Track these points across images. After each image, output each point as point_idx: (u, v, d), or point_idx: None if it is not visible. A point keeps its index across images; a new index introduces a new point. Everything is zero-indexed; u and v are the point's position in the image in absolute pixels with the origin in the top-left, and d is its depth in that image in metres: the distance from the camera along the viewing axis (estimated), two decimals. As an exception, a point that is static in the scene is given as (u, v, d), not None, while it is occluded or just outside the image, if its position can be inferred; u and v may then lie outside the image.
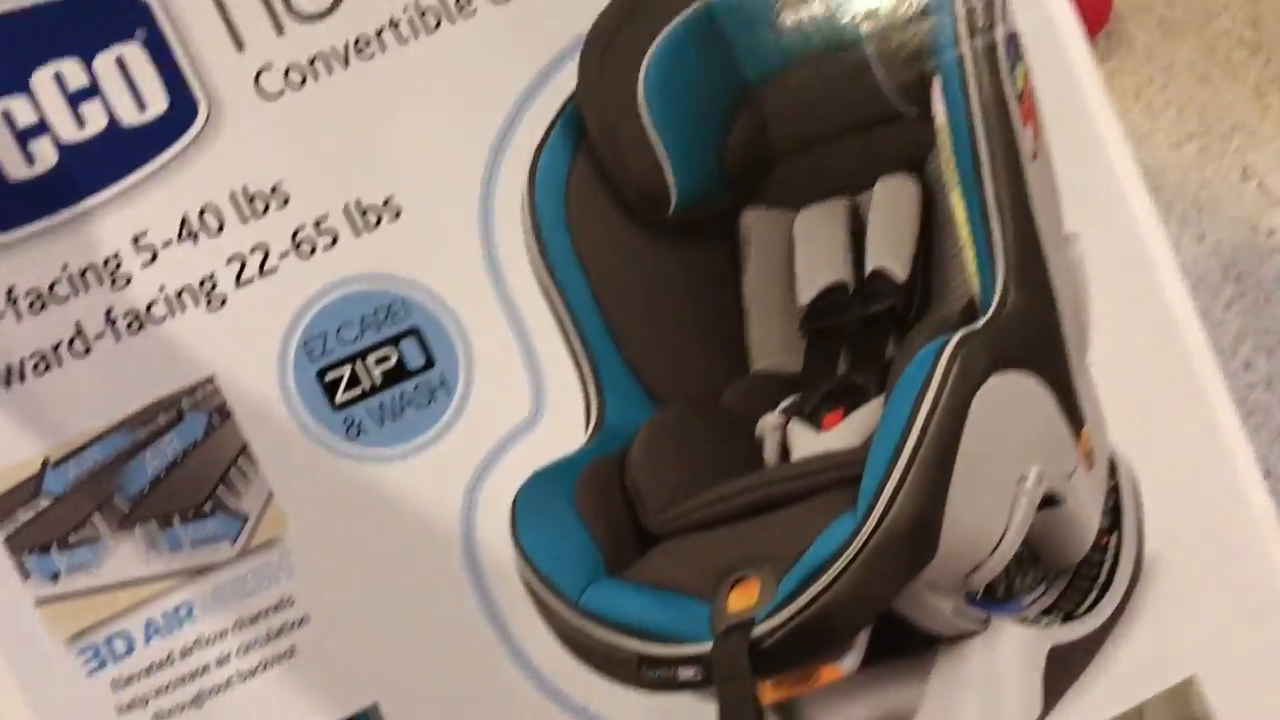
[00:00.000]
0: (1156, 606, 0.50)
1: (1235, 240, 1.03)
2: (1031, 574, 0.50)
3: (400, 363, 0.44)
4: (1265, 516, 0.50)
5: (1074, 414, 0.48)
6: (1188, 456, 0.50)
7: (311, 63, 0.42)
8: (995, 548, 0.45)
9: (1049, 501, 0.47)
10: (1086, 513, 0.49)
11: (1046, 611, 0.49)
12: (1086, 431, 0.49)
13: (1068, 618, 0.49)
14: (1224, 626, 0.50)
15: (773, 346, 0.48)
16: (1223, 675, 0.50)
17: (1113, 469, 0.49)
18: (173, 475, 0.42)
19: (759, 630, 0.43)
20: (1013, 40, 0.46)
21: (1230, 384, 0.52)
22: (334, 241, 0.43)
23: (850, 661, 0.46)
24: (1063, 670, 0.49)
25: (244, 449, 0.43)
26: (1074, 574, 0.50)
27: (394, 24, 0.43)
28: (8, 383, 0.41)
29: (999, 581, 0.49)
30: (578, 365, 0.45)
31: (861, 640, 0.46)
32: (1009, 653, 0.49)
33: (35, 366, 0.41)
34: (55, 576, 0.41)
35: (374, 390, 0.44)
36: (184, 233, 0.42)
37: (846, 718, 0.48)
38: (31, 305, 0.41)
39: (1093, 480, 0.49)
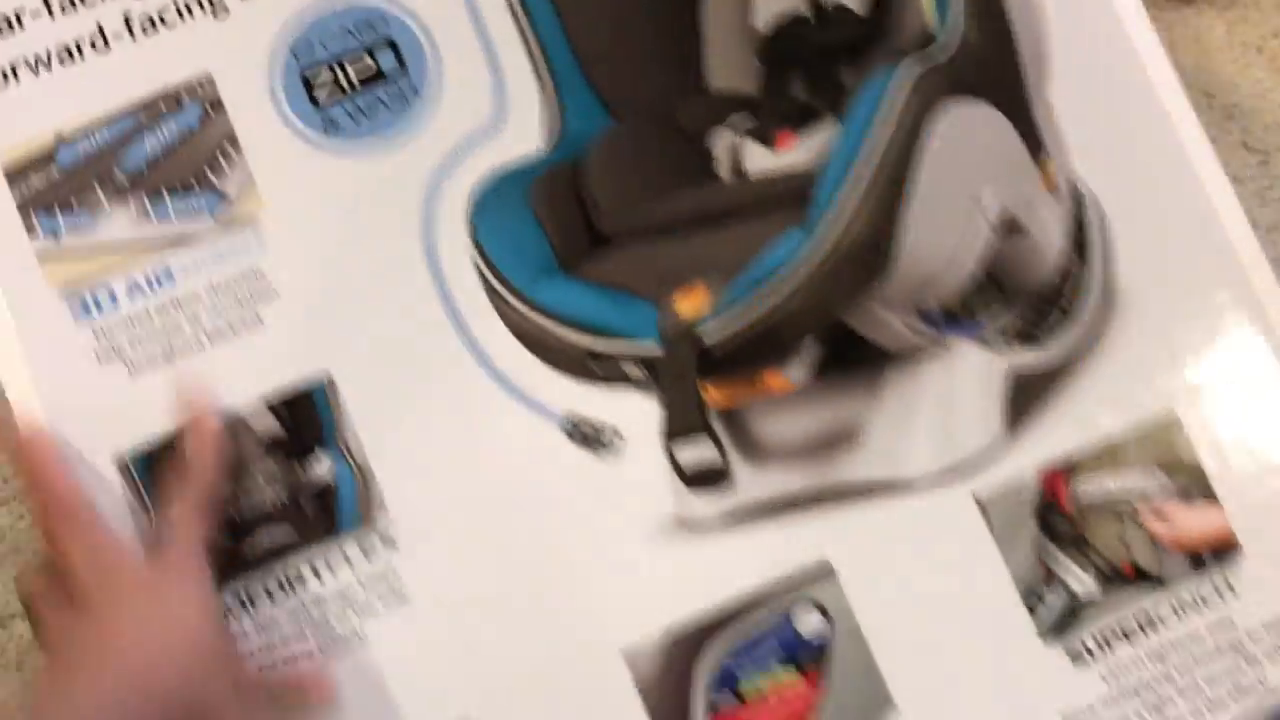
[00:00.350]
0: (1128, 339, 0.48)
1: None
2: (991, 297, 0.49)
3: (376, 69, 0.48)
4: (1245, 248, 0.49)
5: (1033, 140, 0.49)
6: (1159, 189, 0.49)
7: None
8: (949, 265, 0.46)
9: (1010, 226, 0.47)
10: (1048, 236, 0.49)
11: (1006, 335, 0.48)
12: (1049, 159, 0.49)
13: (1028, 340, 0.48)
14: (1201, 360, 0.48)
15: (729, 68, 0.51)
16: (1201, 418, 0.47)
17: (1079, 202, 0.49)
18: (168, 156, 0.47)
19: (705, 332, 0.44)
20: None
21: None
22: (321, -40, 0.48)
23: (799, 372, 0.46)
24: (1026, 396, 0.48)
25: (231, 137, 0.47)
26: (1040, 300, 0.49)
27: None
28: (34, 69, 0.47)
29: (956, 303, 0.48)
30: (538, 76, 0.48)
31: (810, 352, 0.46)
32: (965, 372, 0.48)
33: (60, 58, 0.48)
34: (57, 235, 0.46)
35: (351, 92, 0.48)
36: (195, -51, 0.48)
37: (792, 427, 0.48)
38: (62, 6, 0.48)
39: (1056, 206, 0.49)
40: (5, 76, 0.47)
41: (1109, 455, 0.47)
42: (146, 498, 0.45)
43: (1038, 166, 0.49)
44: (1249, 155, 1.00)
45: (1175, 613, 0.47)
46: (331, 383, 0.46)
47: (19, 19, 0.48)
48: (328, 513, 0.45)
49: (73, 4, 0.48)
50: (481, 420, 0.46)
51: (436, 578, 0.45)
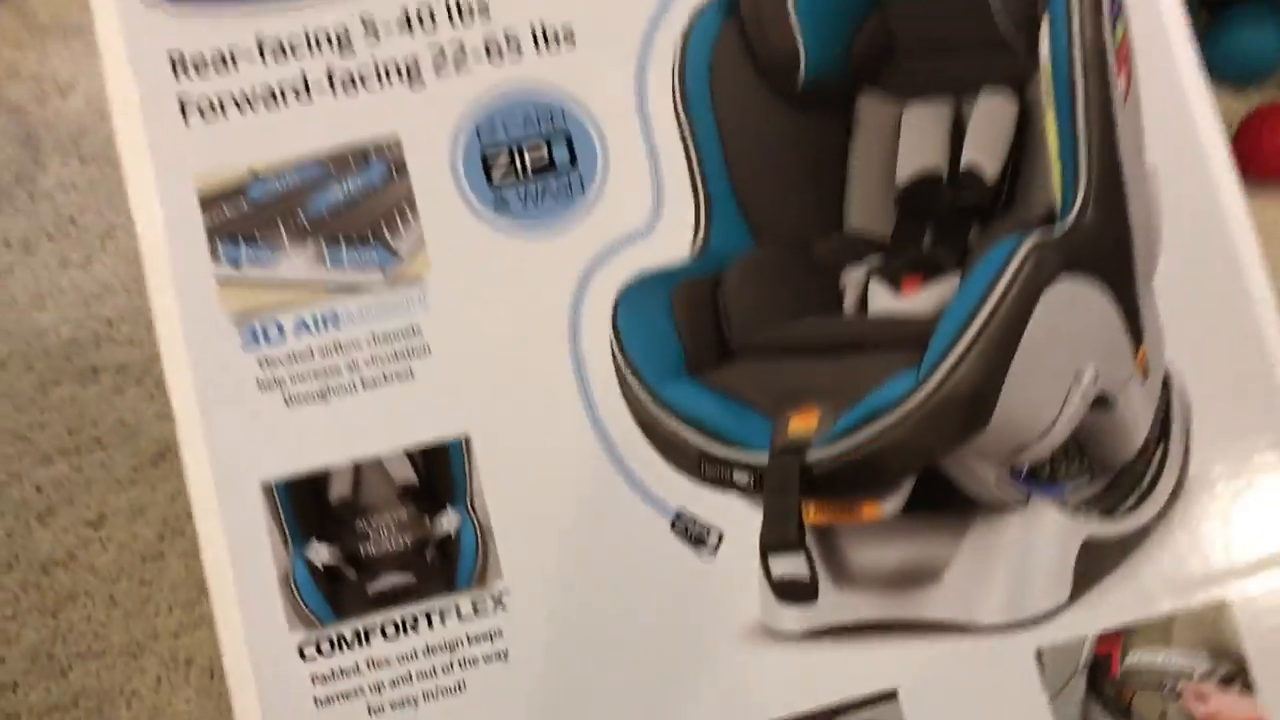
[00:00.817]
0: (1195, 524, 0.52)
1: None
2: (1077, 465, 0.53)
3: (550, 159, 0.52)
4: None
5: (1134, 327, 0.53)
6: (1239, 385, 0.53)
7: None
8: (1046, 431, 0.50)
9: (1102, 402, 0.52)
10: (1136, 419, 0.53)
11: (1087, 504, 0.53)
12: (1144, 346, 0.53)
13: (1107, 514, 0.52)
14: (1256, 559, 0.52)
15: (867, 212, 0.55)
16: (1253, 607, 0.52)
17: (1167, 386, 0.53)
18: (349, 207, 0.51)
19: (812, 455, 0.48)
20: (1117, 1, 0.54)
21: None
22: (518, 53, 0.52)
23: (892, 505, 0.50)
24: (1095, 564, 0.52)
25: (410, 199, 0.51)
26: (1119, 474, 0.53)
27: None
28: (240, 108, 0.51)
29: (1044, 465, 0.53)
30: (695, 193, 0.52)
31: (906, 488, 0.50)
32: (1044, 533, 0.52)
33: (264, 100, 0.51)
34: (237, 264, 0.50)
35: (524, 176, 0.52)
36: (406, 22, 0.52)
37: (879, 558, 0.52)
38: (274, 52, 0.51)
39: (1146, 391, 0.53)
40: (212, 109, 0.51)
41: (1161, 631, 0.51)
42: (285, 526, 0.48)
43: (1136, 349, 0.53)
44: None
45: (1198, 784, 0.51)
46: (469, 443, 0.50)
47: (232, 58, 0.51)
48: (448, 566, 0.49)
49: (283, 52, 0.51)
50: (599, 503, 0.50)
51: (538, 643, 0.49)
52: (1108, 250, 0.52)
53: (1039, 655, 0.51)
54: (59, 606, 0.96)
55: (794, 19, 0.53)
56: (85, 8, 1.11)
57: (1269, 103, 1.16)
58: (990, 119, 0.55)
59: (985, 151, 0.54)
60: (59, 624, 0.95)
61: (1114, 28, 0.53)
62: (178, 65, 0.51)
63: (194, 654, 0.94)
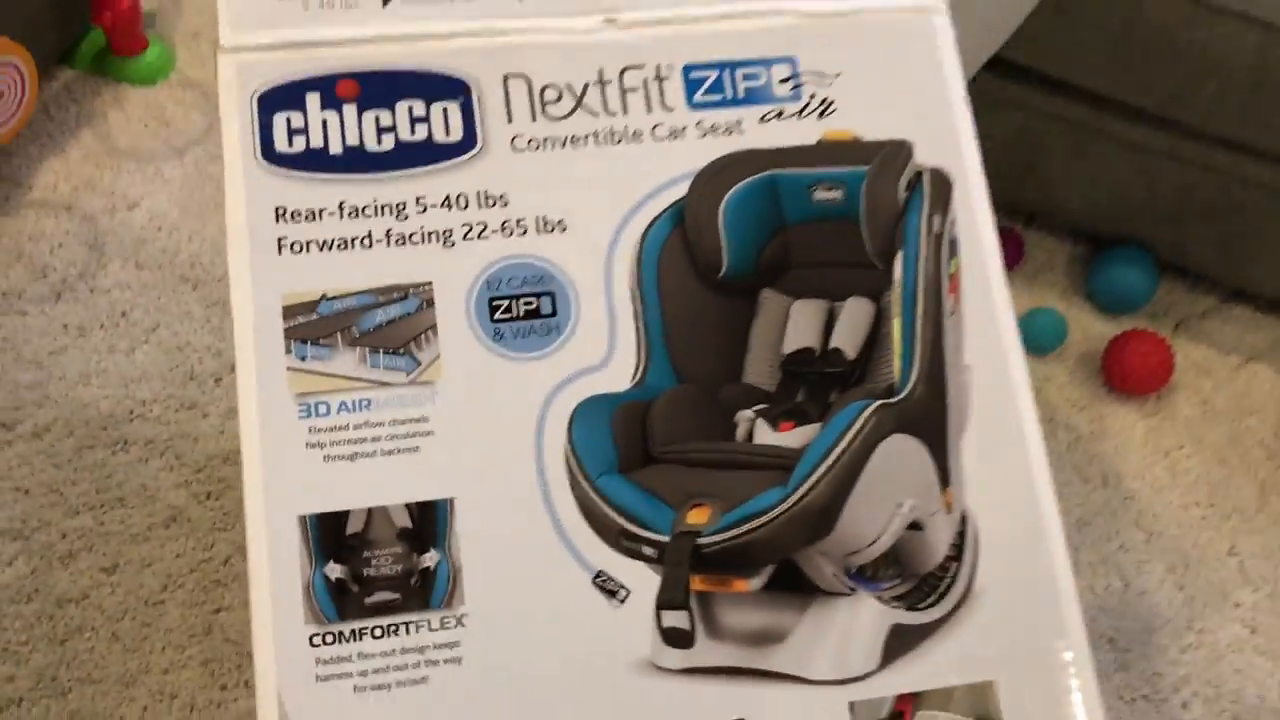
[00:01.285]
0: (976, 621, 0.71)
1: (1203, 594, 1.23)
2: (893, 570, 0.73)
3: (537, 308, 0.72)
4: (1068, 596, 0.72)
5: (944, 474, 0.73)
6: (1013, 526, 0.73)
7: (544, 141, 0.75)
8: (872, 543, 0.70)
9: (915, 526, 0.71)
10: (940, 540, 0.72)
11: (898, 598, 0.72)
12: (950, 488, 0.73)
13: (911, 608, 0.71)
14: (1020, 651, 0.71)
15: (759, 372, 0.76)
16: (1014, 690, 0.70)
17: (964, 519, 0.73)
18: (389, 326, 0.71)
19: (702, 540, 0.67)
20: (953, 243, 0.76)
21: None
22: (524, 233, 0.73)
23: (757, 582, 0.69)
24: (900, 642, 0.71)
25: (434, 326, 0.71)
26: (923, 579, 0.72)
27: (597, 136, 0.75)
28: (320, 249, 0.71)
29: (869, 566, 0.72)
30: (638, 344, 0.73)
31: (768, 571, 0.69)
32: (864, 615, 0.71)
33: (338, 247, 0.71)
34: (304, 358, 0.69)
35: (517, 318, 0.72)
36: (447, 202, 0.73)
37: (743, 620, 0.71)
38: (350, 214, 0.72)
39: (949, 521, 0.73)
40: (301, 248, 0.71)
41: (944, 696, 0.70)
42: (311, 548, 0.67)
43: (943, 490, 0.73)
44: (1138, 531, 1.25)
45: (961, 818, 0.68)
46: (453, 504, 0.68)
47: (319, 214, 0.72)
48: (426, 591, 0.67)
49: (356, 213, 0.72)
50: (542, 560, 0.68)
51: (486, 654, 0.66)
52: (929, 418, 0.73)
53: (851, 706, 0.69)
54: (67, 636, 1.11)
55: (722, 235, 0.75)
56: (157, 138, 1.35)
57: (1133, 328, 1.39)
58: (854, 316, 0.76)
59: (848, 338, 0.75)
60: (65, 651, 1.10)
61: (949, 262, 0.75)
62: (279, 214, 0.72)
63: (179, 690, 1.09)
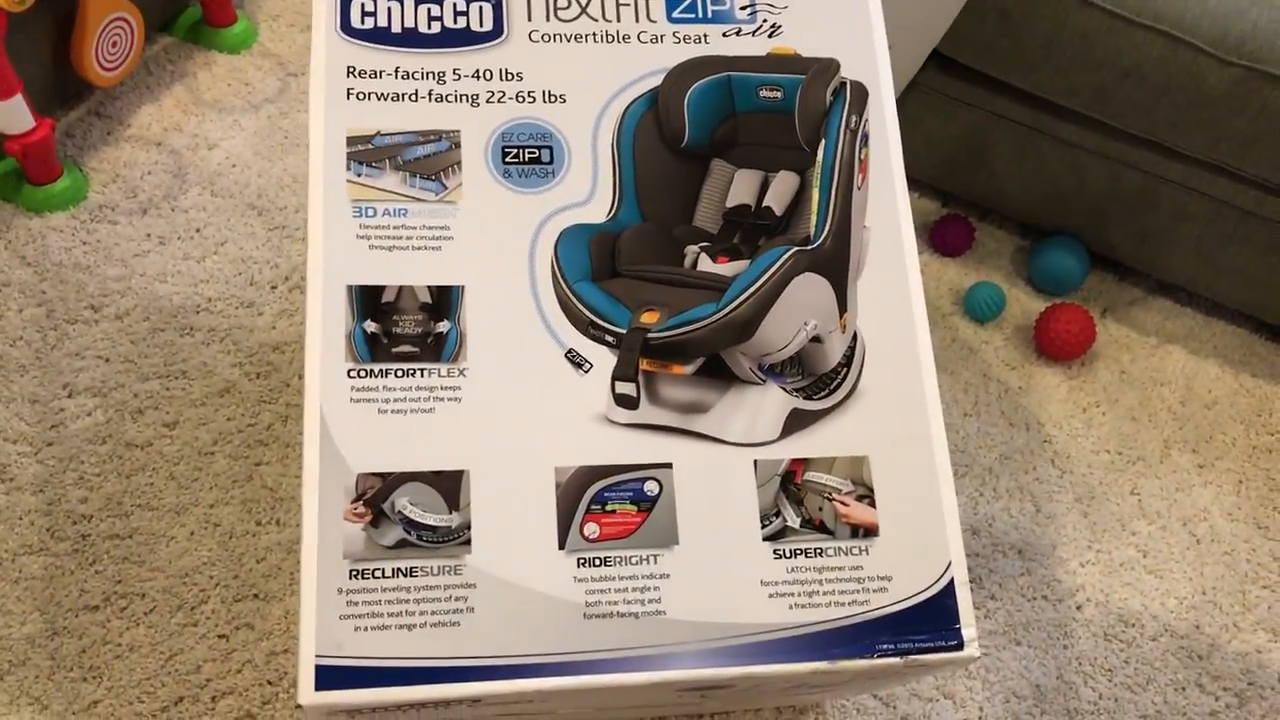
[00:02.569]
0: (857, 412, 0.92)
1: (1104, 523, 1.41)
2: (796, 369, 0.93)
3: (538, 156, 0.95)
4: (931, 398, 0.92)
5: (843, 303, 0.94)
6: (893, 345, 0.93)
7: (554, 36, 0.98)
8: (781, 349, 0.91)
9: (816, 340, 0.92)
10: (835, 350, 0.93)
11: (798, 390, 0.92)
12: (846, 315, 0.94)
13: (808, 398, 0.92)
14: (888, 436, 0.91)
15: (706, 218, 0.98)
16: (881, 463, 0.90)
17: (856, 337, 0.94)
18: (426, 159, 0.93)
19: (651, 335, 0.89)
20: (865, 136, 0.98)
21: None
22: (533, 102, 0.96)
23: (690, 368, 0.91)
24: (797, 422, 0.91)
25: (459, 161, 0.93)
26: (819, 378, 0.93)
27: (595, 35, 0.98)
28: (378, 99, 0.94)
29: (778, 365, 0.93)
30: (614, 189, 0.95)
31: (699, 361, 0.91)
32: (771, 399, 0.92)
33: (392, 98, 0.94)
34: (359, 174, 0.92)
35: (521, 162, 0.94)
36: (476, 74, 0.96)
37: (677, 394, 0.91)
38: (403, 75, 0.95)
39: (843, 338, 0.94)
40: (363, 97, 0.94)
41: (827, 464, 0.90)
42: (354, 308, 0.88)
43: (840, 316, 0.94)
44: (1052, 469, 1.44)
45: (835, 553, 0.88)
46: (463, 290, 0.90)
47: (378, 73, 0.95)
48: (438, 348, 0.88)
49: (407, 75, 0.95)
50: (530, 338, 0.90)
51: (478, 396, 0.87)
52: (835, 262, 0.94)
53: (755, 463, 0.89)
54: (133, 472, 1.32)
55: (685, 115, 0.97)
56: (238, 95, 1.60)
57: (1059, 301, 1.59)
58: (783, 184, 0.98)
59: (777, 200, 0.97)
60: (130, 484, 1.31)
61: (861, 149, 0.97)
62: (350, 71, 0.95)
63: (221, 521, 1.30)
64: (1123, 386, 1.57)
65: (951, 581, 0.88)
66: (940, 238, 1.66)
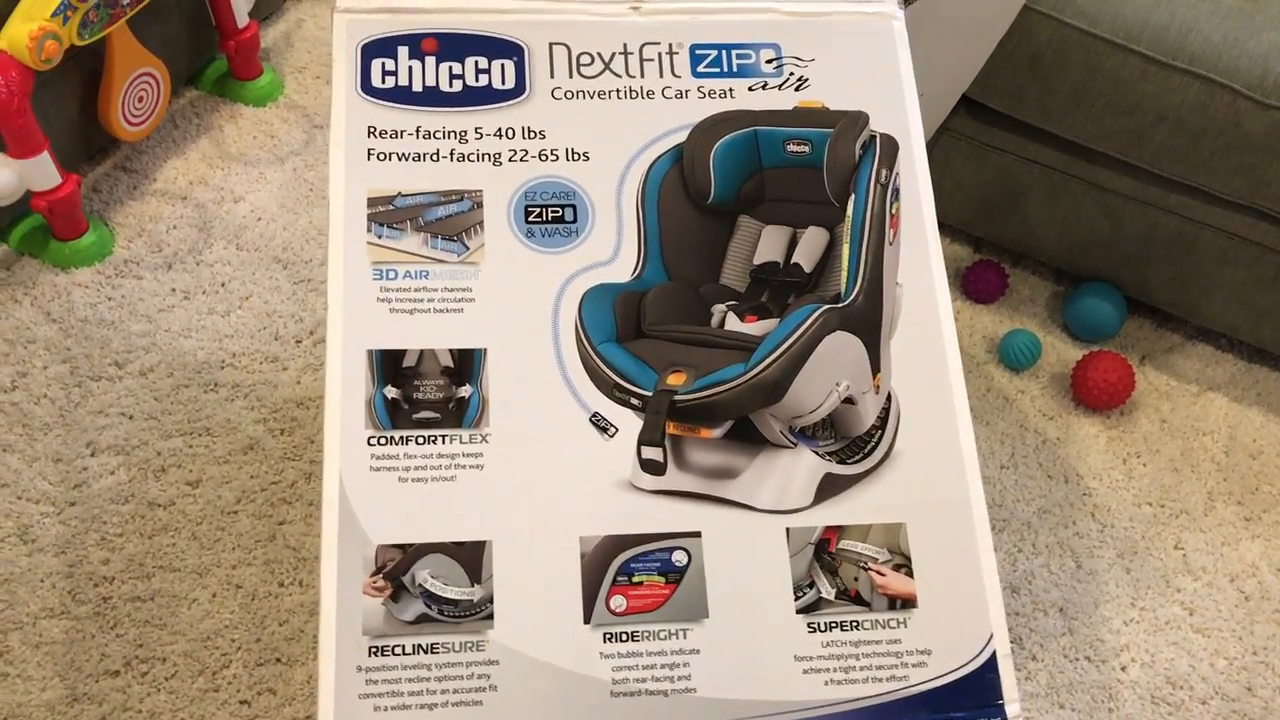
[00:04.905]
0: (891, 478, 0.88)
1: (1147, 579, 1.37)
2: (829, 432, 0.90)
3: (561, 216, 0.93)
4: (969, 460, 0.89)
5: (875, 363, 0.91)
6: (928, 405, 0.90)
7: (577, 93, 0.96)
8: (813, 411, 0.88)
9: (849, 401, 0.89)
10: (868, 412, 0.90)
11: (831, 454, 0.89)
12: (879, 375, 0.91)
13: (841, 461, 0.89)
14: (925, 501, 0.88)
15: (733, 276, 0.95)
16: (918, 530, 0.87)
17: (890, 398, 0.91)
18: (446, 220, 0.91)
19: (678, 397, 0.86)
20: (895, 191, 0.95)
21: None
22: (556, 160, 0.94)
23: (718, 432, 0.88)
24: (830, 488, 0.88)
25: (480, 221, 0.91)
26: (852, 441, 0.90)
27: (618, 92, 0.97)
28: (399, 159, 0.93)
29: (809, 428, 0.90)
30: (639, 247, 0.92)
31: (727, 424, 0.88)
32: (803, 464, 0.89)
33: (413, 157, 0.93)
34: (380, 236, 0.90)
35: (545, 222, 0.92)
36: (498, 133, 0.94)
37: (705, 458, 0.89)
38: (424, 135, 0.93)
39: (876, 399, 0.91)
40: (383, 157, 0.92)
41: (863, 532, 0.87)
42: (374, 374, 0.86)
43: (874, 376, 0.91)
44: (1093, 523, 1.40)
45: (872, 626, 0.84)
46: (485, 353, 0.88)
47: (399, 132, 0.93)
48: (460, 414, 0.86)
49: (428, 135, 0.94)
50: (552, 400, 0.87)
51: (500, 464, 0.85)
52: (867, 321, 0.92)
53: (787, 531, 0.86)
54: (155, 533, 1.30)
55: (711, 172, 0.95)
56: (264, 148, 1.61)
57: (1096, 349, 1.55)
58: (812, 240, 0.95)
59: (806, 256, 0.95)
60: (153, 544, 1.29)
61: (892, 204, 0.94)
62: (370, 131, 0.93)
63: (244, 582, 1.28)
64: (1164, 436, 1.52)
65: (994, 655, 0.85)
66: (972, 284, 1.63)
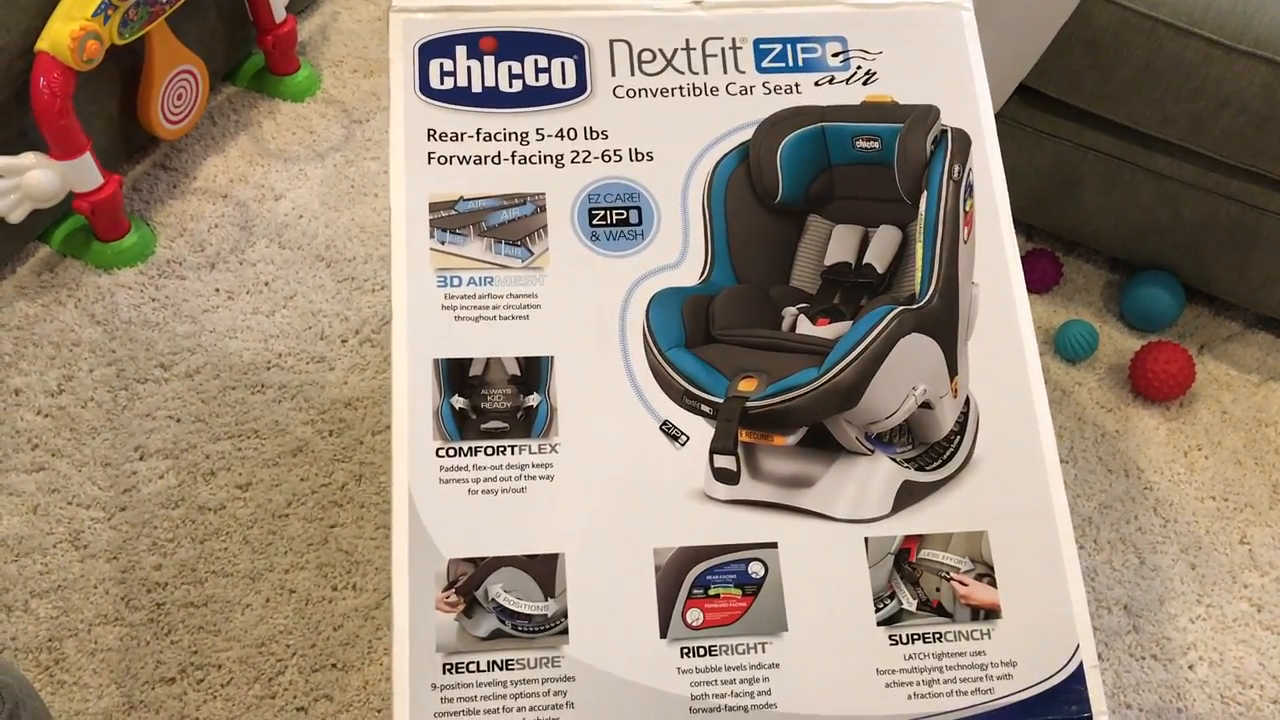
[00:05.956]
0: (972, 484, 0.86)
1: (1213, 575, 1.34)
2: (906, 438, 0.88)
3: (626, 218, 0.90)
4: (1052, 465, 0.87)
5: (953, 366, 0.89)
6: (1007, 411, 0.88)
7: (640, 91, 0.94)
8: (889, 416, 0.86)
9: (926, 405, 0.87)
10: (946, 417, 0.88)
11: (909, 460, 0.87)
12: (957, 378, 0.89)
13: (920, 469, 0.86)
14: (1007, 508, 0.85)
15: (804, 278, 0.93)
16: (1000, 538, 0.84)
17: (968, 402, 0.88)
18: (510, 224, 0.89)
19: (750, 404, 0.84)
20: (969, 187, 0.92)
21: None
22: (620, 160, 0.92)
23: (792, 439, 0.86)
24: (909, 496, 0.86)
25: (544, 226, 0.89)
26: (931, 447, 0.87)
27: (682, 89, 0.94)
28: (460, 162, 0.90)
29: (886, 434, 0.88)
30: (706, 250, 0.90)
31: (802, 431, 0.85)
32: (880, 471, 0.86)
33: (475, 160, 0.91)
34: (443, 242, 0.88)
35: (610, 225, 0.90)
36: (560, 134, 0.92)
37: (779, 467, 0.86)
38: (485, 138, 0.91)
39: (955, 403, 0.88)
40: (445, 161, 0.90)
41: (944, 540, 0.84)
42: (441, 384, 0.84)
43: (951, 379, 0.89)
44: (1155, 517, 1.37)
45: (956, 638, 0.82)
46: (553, 360, 0.86)
47: (460, 135, 0.91)
48: (528, 424, 0.84)
49: (490, 138, 0.91)
50: (622, 408, 0.85)
51: (572, 474, 0.83)
52: (942, 322, 0.89)
53: (866, 540, 0.84)
54: (206, 538, 1.29)
55: (779, 170, 0.93)
56: (303, 144, 1.59)
57: (1155, 341, 1.52)
58: (884, 240, 0.93)
59: (878, 257, 0.92)
60: (204, 549, 1.28)
61: (966, 200, 0.92)
62: (430, 134, 0.91)
63: (297, 587, 1.27)
64: (1225, 428, 1.49)
65: (1081, 666, 0.82)
66: (1026, 273, 1.60)
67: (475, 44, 0.94)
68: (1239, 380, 1.54)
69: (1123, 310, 1.59)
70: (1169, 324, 1.58)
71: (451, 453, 0.83)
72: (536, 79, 0.93)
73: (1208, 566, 1.36)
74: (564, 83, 0.94)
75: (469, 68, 0.93)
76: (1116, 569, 1.35)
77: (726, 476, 0.84)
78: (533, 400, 0.85)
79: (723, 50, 0.96)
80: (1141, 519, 1.39)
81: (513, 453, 0.84)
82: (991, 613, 0.83)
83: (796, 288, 0.94)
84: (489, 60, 0.93)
